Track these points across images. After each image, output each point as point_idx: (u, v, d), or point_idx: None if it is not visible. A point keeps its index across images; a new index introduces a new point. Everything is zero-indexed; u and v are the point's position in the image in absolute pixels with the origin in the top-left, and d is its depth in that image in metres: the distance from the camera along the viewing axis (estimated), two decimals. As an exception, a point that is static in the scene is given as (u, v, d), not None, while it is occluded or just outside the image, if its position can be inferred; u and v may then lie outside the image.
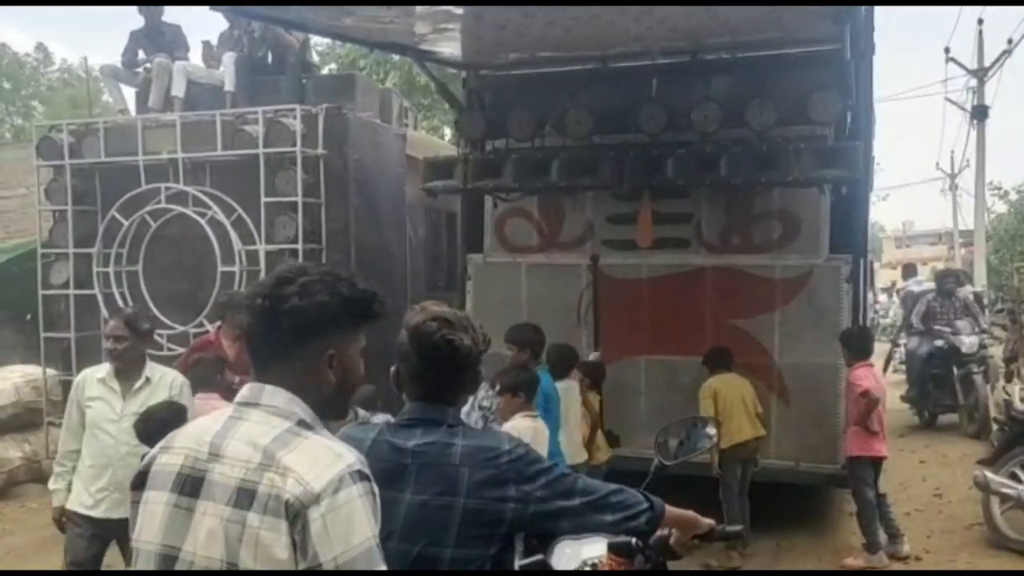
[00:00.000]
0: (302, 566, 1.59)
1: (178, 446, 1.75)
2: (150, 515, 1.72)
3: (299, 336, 1.76)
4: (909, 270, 14.33)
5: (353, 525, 1.61)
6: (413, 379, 2.21)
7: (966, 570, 4.37)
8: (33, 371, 8.45)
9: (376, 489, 1.68)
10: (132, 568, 1.75)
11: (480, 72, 7.57)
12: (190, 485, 1.68)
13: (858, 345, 6.18)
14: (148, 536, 1.71)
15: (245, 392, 1.78)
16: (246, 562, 1.59)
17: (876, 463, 6.15)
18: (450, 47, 7.10)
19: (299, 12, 6.28)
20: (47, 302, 7.99)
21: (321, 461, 1.64)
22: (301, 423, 1.72)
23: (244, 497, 1.62)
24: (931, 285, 11.40)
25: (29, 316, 8.61)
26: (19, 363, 8.92)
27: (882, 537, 6.02)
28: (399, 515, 1.99)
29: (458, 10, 5.72)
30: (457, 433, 2.14)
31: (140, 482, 1.78)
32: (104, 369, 4.29)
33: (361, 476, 1.65)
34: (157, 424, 3.75)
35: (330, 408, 1.80)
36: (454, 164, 7.02)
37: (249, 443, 1.67)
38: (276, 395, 1.73)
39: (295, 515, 1.59)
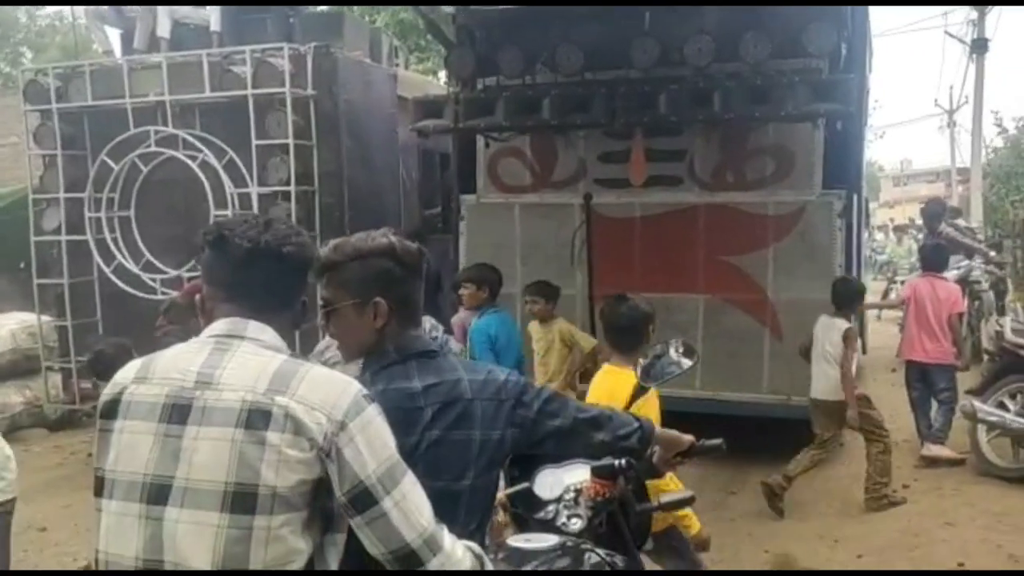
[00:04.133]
0: (344, 490, 1.70)
1: (157, 377, 1.77)
2: (131, 445, 1.74)
3: (303, 282, 1.91)
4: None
5: (380, 440, 1.75)
6: (404, 303, 2.13)
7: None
8: (29, 318, 8.61)
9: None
10: (106, 497, 1.76)
11: (470, 8, 7.57)
12: (177, 413, 1.71)
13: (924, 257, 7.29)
14: (131, 467, 1.72)
15: (224, 325, 1.81)
16: (267, 478, 1.65)
17: (917, 366, 6.82)
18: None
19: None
20: (40, 248, 8.04)
21: (334, 390, 1.74)
22: (293, 356, 1.83)
23: (258, 419, 1.67)
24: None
25: (23, 264, 8.68)
26: (15, 311, 9.05)
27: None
28: (419, 455, 2.00)
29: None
30: (454, 367, 2.16)
31: (110, 411, 1.79)
32: None
33: (370, 398, 1.78)
34: (108, 360, 4.15)
35: None
36: (444, 103, 7.01)
37: (249, 371, 1.73)
38: (263, 330, 1.82)
39: (327, 449, 1.68)
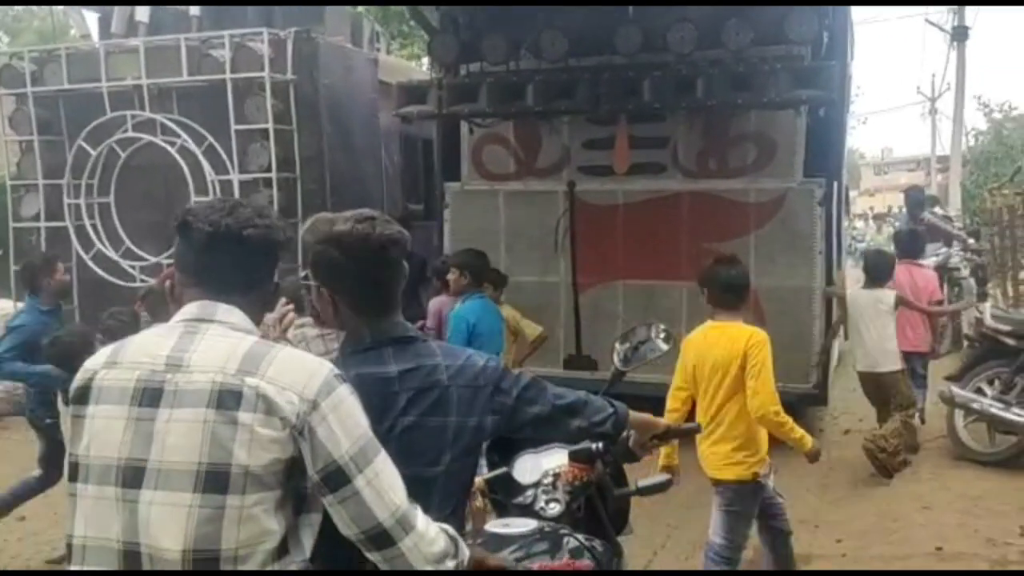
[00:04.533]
0: (316, 469, 1.70)
1: (127, 361, 1.77)
2: (103, 429, 1.73)
3: (274, 265, 1.92)
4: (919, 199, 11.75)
5: (353, 419, 1.75)
6: (359, 295, 2.06)
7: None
8: (7, 305, 8.30)
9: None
10: (81, 482, 1.74)
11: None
12: (148, 397, 1.71)
13: (901, 244, 7.31)
14: (105, 451, 1.71)
15: (193, 309, 1.81)
16: (240, 458, 1.65)
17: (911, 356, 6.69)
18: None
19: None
20: (18, 235, 7.95)
21: (304, 370, 1.74)
22: (264, 338, 1.84)
23: (229, 399, 1.67)
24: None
25: (1, 251, 8.58)
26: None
27: None
28: (392, 439, 1.95)
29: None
30: (430, 350, 2.11)
31: (82, 396, 1.78)
32: None
33: (341, 378, 1.77)
34: (66, 348, 4.18)
35: None
36: (428, 89, 6.98)
37: (219, 353, 1.73)
38: (232, 313, 1.81)
39: (299, 428, 1.68)
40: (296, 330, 4.93)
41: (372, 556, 1.76)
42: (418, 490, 1.84)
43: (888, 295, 6.19)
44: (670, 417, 3.67)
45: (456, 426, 2.06)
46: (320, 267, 2.06)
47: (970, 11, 20.12)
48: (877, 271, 6.30)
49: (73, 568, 1.74)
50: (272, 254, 1.90)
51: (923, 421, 6.77)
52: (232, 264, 1.84)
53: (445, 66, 7.22)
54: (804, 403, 7.23)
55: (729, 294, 3.92)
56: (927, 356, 6.90)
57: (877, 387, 6.29)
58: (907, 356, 6.73)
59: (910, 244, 7.31)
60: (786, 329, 6.97)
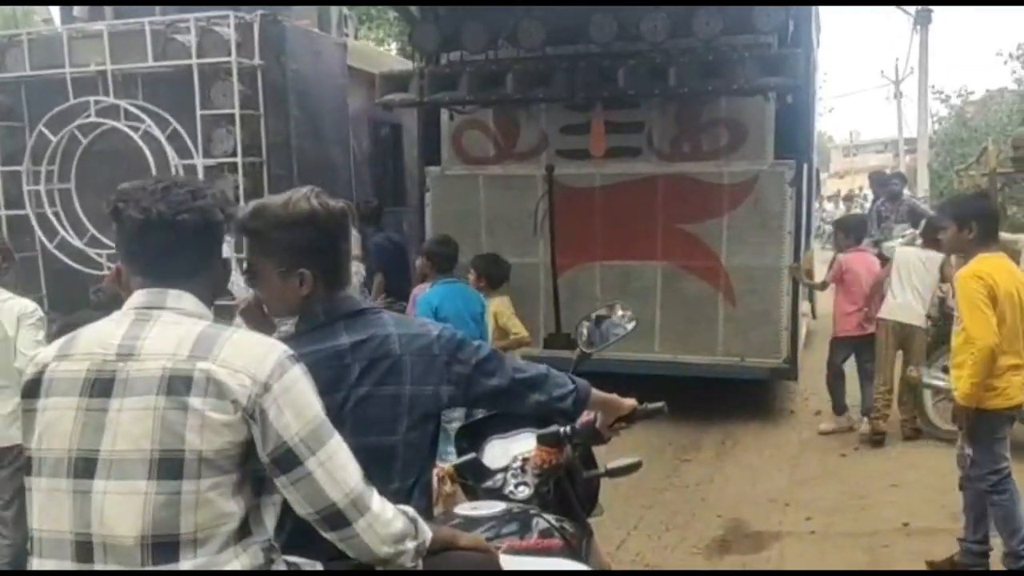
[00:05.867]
0: (267, 451, 1.64)
1: (79, 352, 1.70)
2: (54, 422, 1.67)
3: (217, 246, 1.81)
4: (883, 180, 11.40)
5: (305, 400, 1.68)
6: (333, 270, 2.05)
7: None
8: None
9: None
10: (35, 475, 1.68)
11: (434, -17, 7.44)
12: (99, 387, 1.65)
13: (855, 229, 7.04)
14: (56, 443, 1.65)
15: (142, 297, 1.74)
16: (192, 443, 1.60)
17: (852, 341, 6.68)
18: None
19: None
20: None
21: (257, 352, 1.67)
22: (217, 322, 1.75)
23: (179, 385, 1.61)
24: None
25: None
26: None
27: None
28: (347, 410, 1.94)
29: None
30: (383, 322, 2.07)
31: (33, 390, 1.71)
32: None
33: (295, 359, 1.70)
34: None
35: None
36: (409, 78, 6.95)
37: (171, 339, 1.66)
38: (182, 298, 1.74)
39: (251, 410, 1.62)
40: None
41: (328, 536, 1.71)
42: (377, 460, 1.79)
43: (937, 258, 6.16)
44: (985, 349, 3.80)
45: (411, 395, 2.02)
46: (297, 250, 1.98)
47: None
48: (933, 233, 6.14)
49: (33, 561, 1.68)
50: (213, 235, 1.80)
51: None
52: (169, 250, 1.74)
53: (426, 55, 7.15)
54: (776, 377, 7.30)
55: (988, 227, 4.02)
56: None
57: (903, 339, 6.26)
58: (858, 342, 6.66)
59: (860, 230, 7.23)
60: (756, 306, 7.03)
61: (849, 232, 7.00)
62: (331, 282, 2.05)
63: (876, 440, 6.28)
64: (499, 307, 5.50)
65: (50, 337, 5.66)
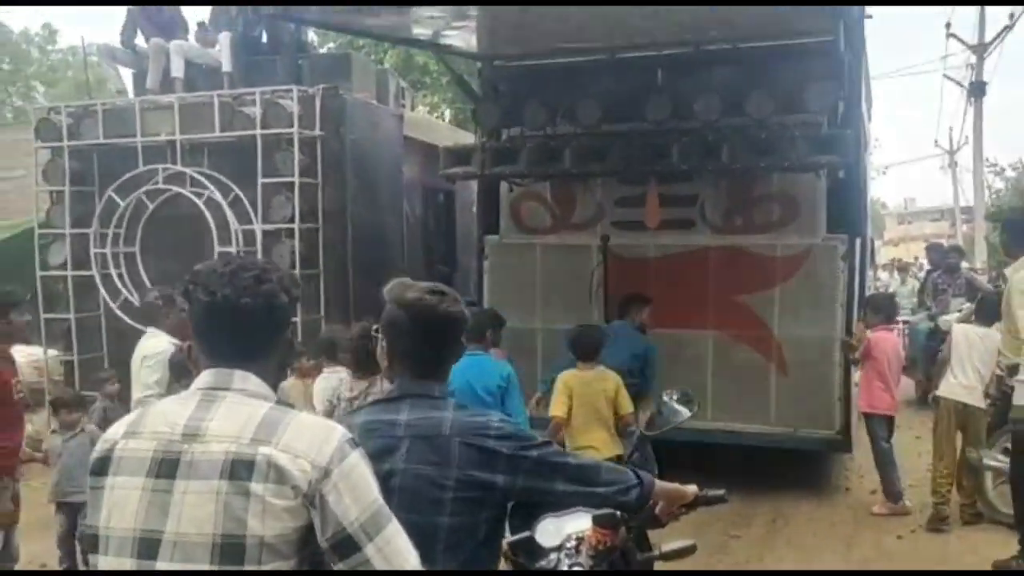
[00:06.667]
0: (326, 536, 1.63)
1: (146, 431, 1.70)
2: (121, 501, 1.66)
3: (281, 328, 1.83)
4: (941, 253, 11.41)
5: (364, 485, 1.68)
6: (406, 354, 2.14)
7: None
8: (35, 351, 8.07)
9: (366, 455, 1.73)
10: (101, 554, 1.68)
11: (495, 63, 7.68)
12: (166, 468, 1.64)
13: (884, 309, 6.74)
14: (122, 523, 1.65)
15: (209, 377, 1.75)
16: (254, 528, 1.59)
17: (889, 420, 6.50)
18: (467, 40, 7.21)
19: (326, 15, 6.34)
20: (46, 283, 7.75)
21: (318, 436, 1.67)
22: (280, 403, 1.76)
23: (242, 469, 1.61)
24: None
25: (29, 296, 8.43)
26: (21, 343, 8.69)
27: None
28: (394, 487, 1.94)
29: (472, 10, 5.82)
30: (446, 406, 2.11)
31: (101, 467, 1.71)
32: None
33: (354, 443, 1.71)
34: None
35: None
36: (472, 151, 7.12)
37: (235, 421, 1.66)
38: (247, 380, 1.73)
39: (311, 496, 1.62)
40: (329, 373, 4.87)
41: None
42: (417, 538, 1.79)
43: (995, 336, 5.93)
44: None
45: (456, 478, 2.02)
46: (387, 326, 2.13)
47: (988, 65, 19.87)
48: (992, 311, 5.98)
49: None
50: (276, 318, 1.80)
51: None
52: (234, 332, 1.75)
53: (488, 130, 7.35)
54: (829, 448, 7.14)
55: None
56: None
57: (964, 419, 6.03)
58: (891, 420, 6.52)
59: (889, 309, 6.95)
60: (808, 377, 6.95)
61: (878, 311, 6.74)
62: (403, 364, 2.15)
63: (941, 528, 5.97)
64: (609, 382, 5.04)
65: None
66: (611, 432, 4.95)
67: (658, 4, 5.53)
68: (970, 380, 6.05)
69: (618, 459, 4.35)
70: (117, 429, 1.76)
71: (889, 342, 6.61)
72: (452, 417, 2.08)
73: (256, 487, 1.60)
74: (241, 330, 1.75)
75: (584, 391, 5.02)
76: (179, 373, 4.40)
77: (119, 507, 1.66)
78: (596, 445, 4.82)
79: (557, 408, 5.01)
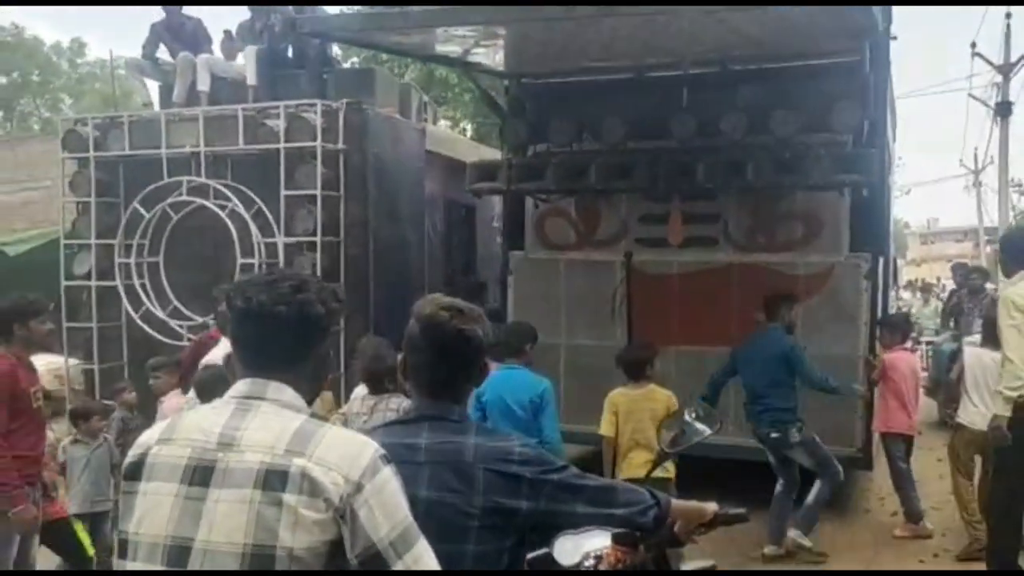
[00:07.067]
0: (355, 552, 1.62)
1: (181, 438, 1.70)
2: (153, 507, 1.66)
3: (315, 339, 1.81)
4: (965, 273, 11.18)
5: (395, 502, 1.67)
6: (421, 370, 2.09)
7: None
8: (56, 360, 8.03)
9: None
10: (129, 559, 1.67)
11: (522, 80, 7.73)
12: (200, 475, 1.64)
13: (899, 329, 6.75)
14: (153, 529, 1.64)
15: (245, 386, 1.74)
16: (284, 539, 1.58)
17: (907, 439, 6.45)
18: (494, 58, 7.28)
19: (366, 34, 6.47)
20: (70, 292, 7.76)
21: (351, 450, 1.66)
22: (314, 415, 1.76)
23: (275, 479, 1.60)
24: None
25: (52, 305, 8.46)
26: (42, 352, 8.70)
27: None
28: (417, 514, 1.84)
29: (501, 29, 5.88)
30: (467, 430, 2.06)
31: (134, 472, 1.71)
32: None
33: (387, 459, 1.69)
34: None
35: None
36: (498, 167, 7.16)
37: (269, 432, 1.66)
38: (282, 390, 1.73)
39: (342, 509, 1.61)
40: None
41: None
42: (443, 566, 1.76)
43: None
44: None
45: (482, 506, 1.97)
46: (406, 339, 2.10)
47: (1014, 85, 19.72)
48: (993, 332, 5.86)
49: None
50: (311, 328, 1.78)
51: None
52: (266, 339, 1.75)
53: (514, 147, 7.40)
54: (850, 465, 7.06)
55: None
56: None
57: (983, 446, 5.77)
58: (898, 436, 6.46)
59: (904, 329, 6.98)
60: (831, 395, 6.88)
61: (894, 330, 6.76)
62: (421, 384, 2.11)
63: (978, 555, 5.66)
64: (660, 394, 5.01)
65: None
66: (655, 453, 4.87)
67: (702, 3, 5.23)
68: (988, 406, 5.94)
69: (664, 482, 4.33)
70: (152, 434, 1.76)
71: (905, 361, 6.57)
72: (475, 443, 2.03)
73: (289, 498, 1.59)
74: (274, 338, 1.74)
75: (630, 408, 4.99)
76: (203, 391, 4.41)
77: (151, 513, 1.66)
78: (639, 467, 4.69)
79: (605, 427, 4.99)
